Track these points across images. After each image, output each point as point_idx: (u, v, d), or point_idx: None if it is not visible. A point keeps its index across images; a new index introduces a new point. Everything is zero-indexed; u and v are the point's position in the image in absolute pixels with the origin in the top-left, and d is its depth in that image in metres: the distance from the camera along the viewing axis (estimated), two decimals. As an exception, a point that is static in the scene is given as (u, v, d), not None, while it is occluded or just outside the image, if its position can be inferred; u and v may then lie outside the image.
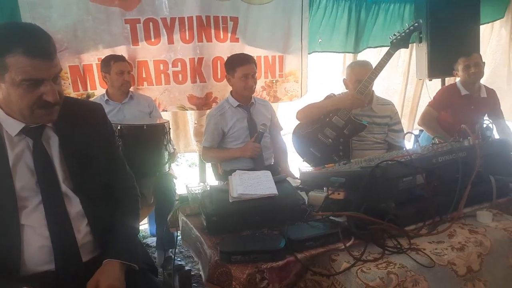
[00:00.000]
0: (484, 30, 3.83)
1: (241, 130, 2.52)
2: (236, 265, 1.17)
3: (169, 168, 2.57)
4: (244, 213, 1.36)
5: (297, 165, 2.37)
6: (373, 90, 2.57)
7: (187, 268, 2.54)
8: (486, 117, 2.93)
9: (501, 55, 4.01)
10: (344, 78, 2.60)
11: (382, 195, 1.35)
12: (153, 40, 2.86)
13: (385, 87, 3.78)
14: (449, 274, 1.19)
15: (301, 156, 2.63)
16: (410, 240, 1.30)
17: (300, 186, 1.83)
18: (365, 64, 2.53)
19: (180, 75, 3.01)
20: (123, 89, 2.64)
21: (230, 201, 1.40)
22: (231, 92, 2.60)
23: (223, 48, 3.02)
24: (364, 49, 3.57)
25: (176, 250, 2.98)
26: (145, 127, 2.28)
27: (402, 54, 3.81)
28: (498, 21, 3.97)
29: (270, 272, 1.18)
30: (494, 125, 2.77)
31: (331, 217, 1.36)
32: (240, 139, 2.53)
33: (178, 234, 2.58)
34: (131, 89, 2.77)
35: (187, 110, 3.11)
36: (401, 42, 2.36)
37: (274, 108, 3.02)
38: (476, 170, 1.47)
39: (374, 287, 1.10)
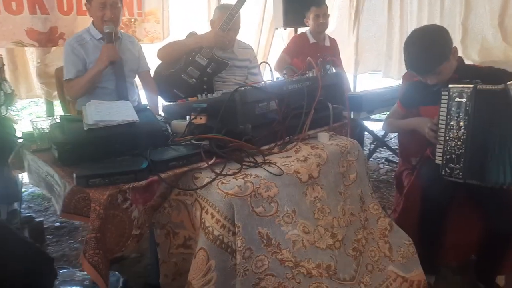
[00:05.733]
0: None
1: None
2: (94, 189, 1.11)
3: (6, 111, 2.21)
4: (102, 140, 1.28)
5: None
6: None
7: (38, 220, 2.30)
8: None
9: (345, 11, 4.55)
10: (211, 19, 2.60)
11: (240, 119, 1.44)
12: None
13: (240, 36, 3.92)
14: (294, 181, 1.39)
15: (165, 98, 2.57)
16: (264, 157, 1.45)
17: (163, 120, 1.81)
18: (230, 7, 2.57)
19: (13, 3, 2.52)
20: None
21: (85, 128, 1.29)
22: (92, 22, 2.30)
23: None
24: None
25: (25, 205, 2.65)
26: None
27: (257, 4, 3.97)
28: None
29: (133, 192, 1.17)
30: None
31: (193, 141, 1.41)
32: (104, 78, 2.24)
33: (24, 182, 2.28)
34: None
35: (26, 46, 2.65)
36: None
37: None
38: (317, 98, 1.70)
39: (233, 194, 1.21)
